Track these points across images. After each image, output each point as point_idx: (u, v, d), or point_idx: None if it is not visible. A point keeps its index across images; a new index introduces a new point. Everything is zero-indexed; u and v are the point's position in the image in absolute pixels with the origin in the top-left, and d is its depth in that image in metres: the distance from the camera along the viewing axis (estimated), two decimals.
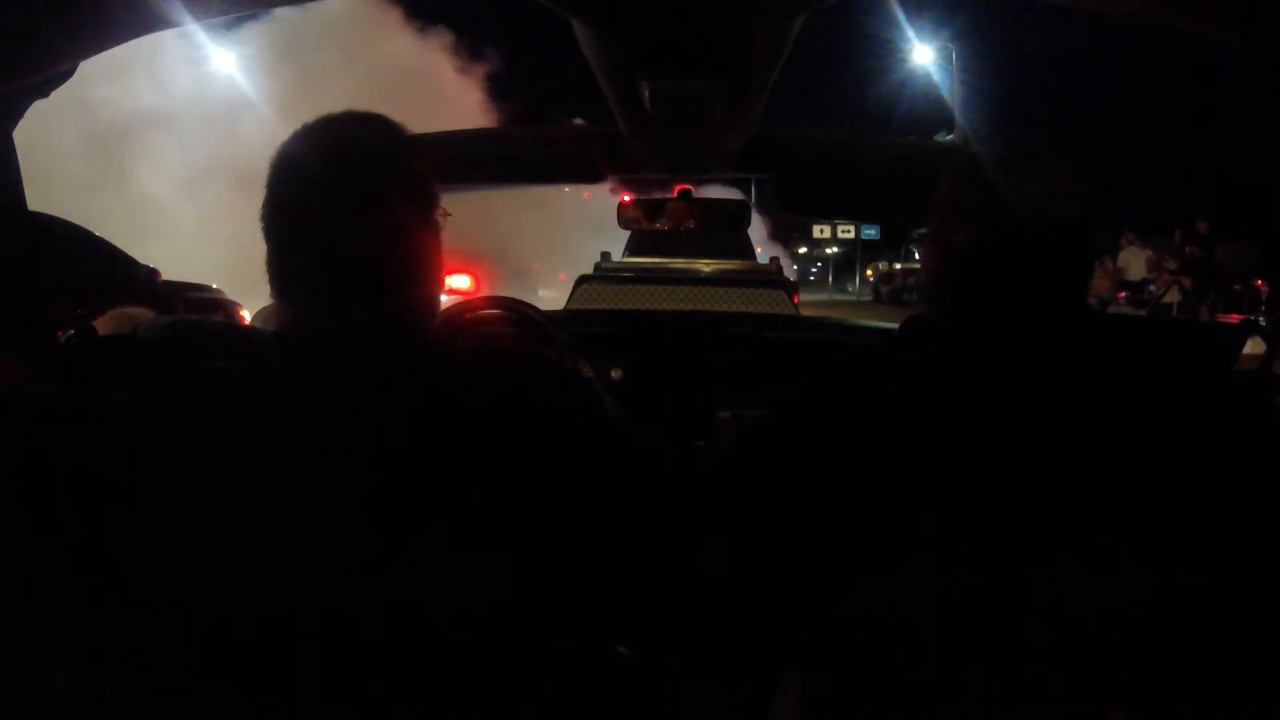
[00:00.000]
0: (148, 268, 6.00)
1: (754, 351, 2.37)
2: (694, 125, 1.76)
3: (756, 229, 12.95)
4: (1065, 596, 0.89)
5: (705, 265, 7.12)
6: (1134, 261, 14.20)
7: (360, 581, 0.82)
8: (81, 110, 10.77)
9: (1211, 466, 0.92)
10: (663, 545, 1.01)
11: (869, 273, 28.02)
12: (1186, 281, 11.91)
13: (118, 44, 1.19)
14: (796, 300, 4.53)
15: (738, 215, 3.11)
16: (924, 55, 17.76)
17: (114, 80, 11.38)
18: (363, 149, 0.89)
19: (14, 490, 0.93)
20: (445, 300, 1.05)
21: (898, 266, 22.40)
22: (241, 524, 0.82)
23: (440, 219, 0.94)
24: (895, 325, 1.18)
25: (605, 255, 8.01)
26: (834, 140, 2.28)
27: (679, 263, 7.43)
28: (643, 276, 4.80)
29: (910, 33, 17.20)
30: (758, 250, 9.64)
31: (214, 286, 6.77)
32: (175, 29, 1.18)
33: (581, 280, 4.02)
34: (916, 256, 16.51)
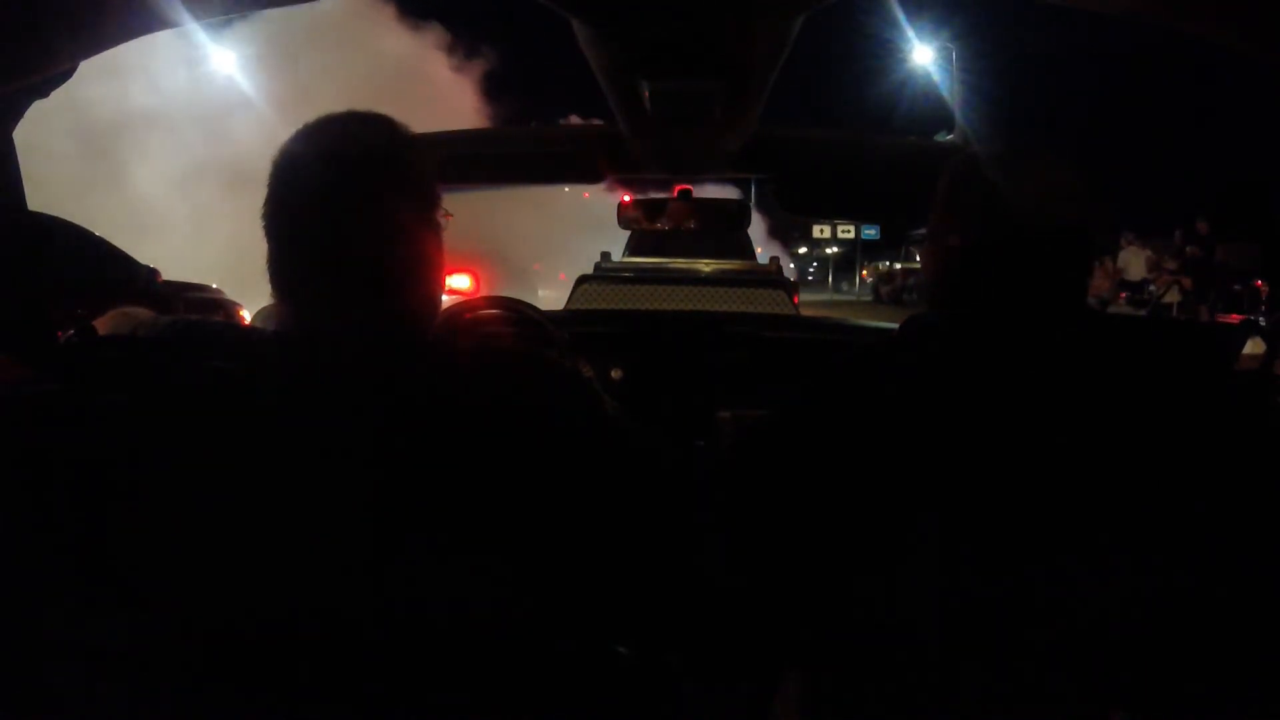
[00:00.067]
0: (147, 267, 6.01)
1: (754, 351, 2.37)
2: (694, 125, 1.76)
3: (756, 228, 12.95)
4: (1065, 596, 0.89)
5: (705, 265, 7.11)
6: (1134, 261, 14.20)
7: (360, 581, 0.82)
8: (77, 109, 10.77)
9: (1211, 466, 0.92)
10: (663, 545, 1.01)
11: (864, 273, 27.98)
12: (1186, 281, 11.90)
13: (117, 44, 1.19)
14: (796, 300, 4.52)
15: (738, 215, 3.11)
16: (924, 55, 17.81)
17: (110, 79, 11.40)
18: (364, 149, 0.89)
19: (14, 490, 0.93)
20: (445, 300, 1.05)
21: (898, 266, 22.38)
22: (241, 524, 0.82)
23: (441, 219, 0.94)
24: (895, 325, 1.18)
25: (605, 255, 8.01)
26: (834, 140, 2.28)
27: (679, 263, 7.42)
28: (643, 276, 4.79)
29: (910, 33, 17.25)
30: (758, 250, 9.64)
31: (214, 286, 6.77)
32: (173, 29, 1.18)
33: (581, 280, 4.01)
34: (916, 257, 16.49)
